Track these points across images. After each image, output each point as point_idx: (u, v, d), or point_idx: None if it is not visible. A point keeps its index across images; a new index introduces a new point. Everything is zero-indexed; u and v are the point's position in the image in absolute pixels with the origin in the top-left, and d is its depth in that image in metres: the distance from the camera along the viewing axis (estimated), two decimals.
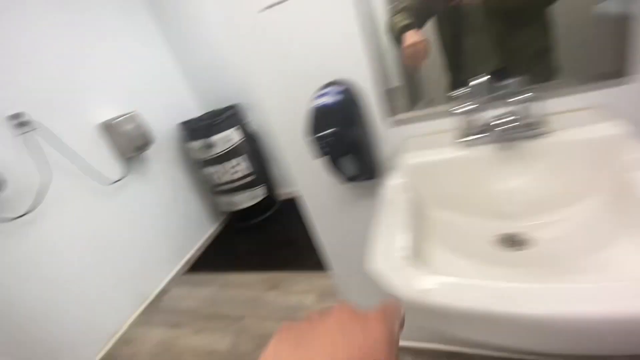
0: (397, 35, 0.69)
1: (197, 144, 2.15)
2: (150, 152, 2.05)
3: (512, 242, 0.61)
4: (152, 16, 2.24)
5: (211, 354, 1.46)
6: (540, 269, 0.54)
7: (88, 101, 1.76)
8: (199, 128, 2.11)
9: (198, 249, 2.33)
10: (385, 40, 0.71)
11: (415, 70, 0.75)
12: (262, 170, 2.38)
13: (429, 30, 0.69)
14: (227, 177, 2.24)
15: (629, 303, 0.34)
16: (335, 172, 0.77)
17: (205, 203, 2.50)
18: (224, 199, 2.37)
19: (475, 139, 0.66)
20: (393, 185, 0.70)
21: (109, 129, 1.80)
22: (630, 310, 0.34)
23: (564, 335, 0.38)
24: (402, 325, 0.25)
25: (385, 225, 0.59)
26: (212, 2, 0.86)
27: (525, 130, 0.62)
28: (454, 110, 0.65)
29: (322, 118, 0.71)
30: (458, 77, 0.71)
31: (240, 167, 2.24)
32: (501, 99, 0.62)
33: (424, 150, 0.72)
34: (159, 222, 2.10)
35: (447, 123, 0.71)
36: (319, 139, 0.71)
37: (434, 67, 0.72)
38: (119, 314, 1.80)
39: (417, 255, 0.53)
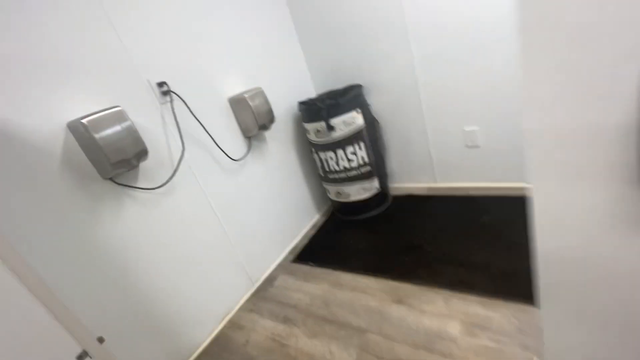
0: None
1: (315, 125, 1.98)
2: (269, 131, 1.94)
3: None
4: None
5: None
6: None
7: (217, 73, 1.69)
8: (321, 108, 1.92)
9: (303, 238, 2.20)
10: None
11: None
12: (379, 161, 2.11)
13: None
14: (342, 165, 2.03)
15: None
16: None
17: (313, 189, 2.35)
18: (333, 188, 2.17)
19: None
20: None
21: (238, 103, 1.71)
22: None
23: None
24: None
25: None
26: None
27: None
28: None
29: None
30: None
31: (358, 155, 2.00)
32: None
33: None
34: (268, 205, 2.00)
35: None
36: None
37: None
38: (228, 296, 1.75)
39: None
